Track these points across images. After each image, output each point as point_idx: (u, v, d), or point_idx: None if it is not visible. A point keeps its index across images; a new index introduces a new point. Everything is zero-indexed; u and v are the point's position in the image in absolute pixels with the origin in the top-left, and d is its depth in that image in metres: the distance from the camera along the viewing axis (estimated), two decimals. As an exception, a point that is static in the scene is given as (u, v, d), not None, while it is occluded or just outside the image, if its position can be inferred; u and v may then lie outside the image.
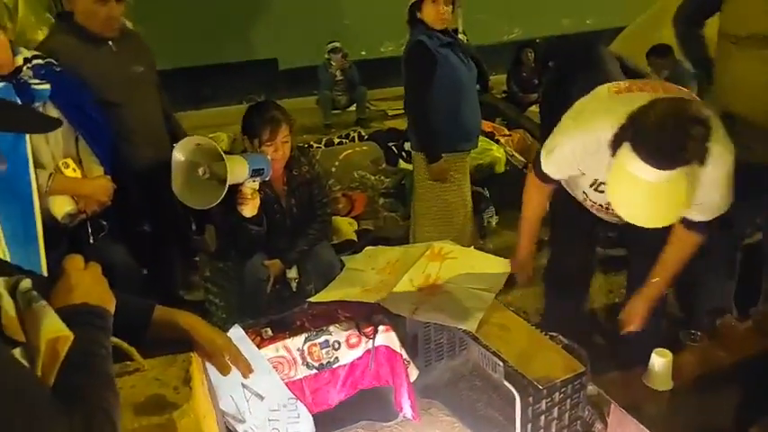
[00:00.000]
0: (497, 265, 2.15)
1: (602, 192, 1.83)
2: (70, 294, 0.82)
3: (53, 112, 1.99)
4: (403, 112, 3.63)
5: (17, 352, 0.70)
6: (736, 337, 1.79)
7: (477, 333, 1.86)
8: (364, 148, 4.66)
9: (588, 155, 1.73)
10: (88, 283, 0.85)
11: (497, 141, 4.29)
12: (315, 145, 5.06)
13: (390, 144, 4.57)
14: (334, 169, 4.29)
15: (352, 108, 6.75)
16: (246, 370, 1.17)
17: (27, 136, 1.83)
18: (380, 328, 1.99)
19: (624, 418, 1.63)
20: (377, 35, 7.95)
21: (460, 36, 4.38)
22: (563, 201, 2.10)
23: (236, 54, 7.87)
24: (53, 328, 0.73)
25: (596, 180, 1.84)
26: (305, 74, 7.14)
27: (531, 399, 1.66)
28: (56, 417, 0.64)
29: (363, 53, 7.90)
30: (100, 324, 0.82)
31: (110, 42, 2.35)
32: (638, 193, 1.49)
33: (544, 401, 1.68)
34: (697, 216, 1.72)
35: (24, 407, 0.62)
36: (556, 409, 1.73)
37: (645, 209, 1.54)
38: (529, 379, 1.67)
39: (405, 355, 2.04)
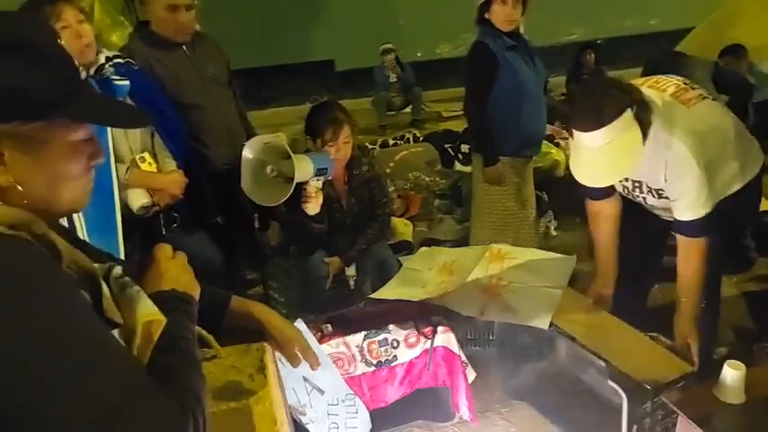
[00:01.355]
0: (561, 262, 2.10)
1: None
2: (160, 281, 0.87)
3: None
4: (459, 113, 3.62)
5: (116, 333, 0.75)
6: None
7: (572, 333, 1.86)
8: (419, 149, 4.67)
9: None
10: (176, 270, 0.90)
11: (557, 144, 4.20)
12: (369, 146, 5.11)
13: (446, 146, 4.56)
14: (389, 170, 4.32)
15: (408, 110, 6.77)
16: (315, 362, 1.20)
17: (109, 129, 1.92)
18: (439, 328, 2.00)
19: (693, 431, 1.57)
20: (433, 36, 7.96)
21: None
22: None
23: (294, 55, 8.04)
24: (148, 311, 0.77)
25: None
26: (361, 75, 7.22)
27: (638, 400, 1.64)
28: (153, 393, 0.68)
29: (419, 54, 7.92)
30: (187, 310, 0.86)
31: (183, 47, 2.45)
32: (582, 156, 1.76)
33: (650, 402, 1.64)
34: (681, 213, 1.81)
35: (125, 381, 0.66)
36: (660, 411, 1.69)
37: (588, 168, 1.77)
38: (635, 379, 1.65)
39: (463, 357, 2.04)
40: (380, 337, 1.97)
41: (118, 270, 0.89)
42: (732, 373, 1.57)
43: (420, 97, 6.69)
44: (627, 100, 1.67)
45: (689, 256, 1.86)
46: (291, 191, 2.12)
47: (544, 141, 3.99)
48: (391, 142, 5.30)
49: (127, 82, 2.04)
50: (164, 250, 0.92)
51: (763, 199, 3.34)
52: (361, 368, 1.98)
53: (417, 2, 7.62)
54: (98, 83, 1.96)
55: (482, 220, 2.91)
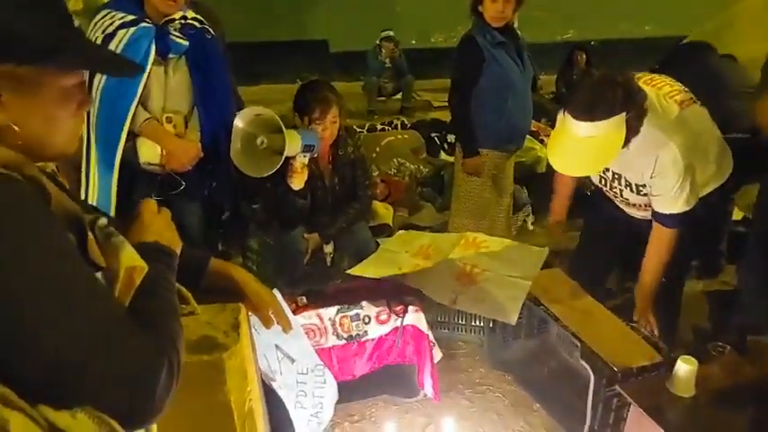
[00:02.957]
0: (533, 254, 2.19)
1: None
2: (144, 233, 0.91)
3: (181, 69, 2.11)
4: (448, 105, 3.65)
5: (99, 276, 0.78)
6: (764, 354, 1.79)
7: (558, 315, 1.96)
8: (406, 136, 4.70)
9: None
10: (160, 225, 0.94)
11: (542, 141, 4.27)
12: (357, 129, 5.12)
13: (433, 135, 4.60)
14: (374, 155, 4.34)
15: (398, 96, 6.78)
16: (287, 325, 1.24)
17: (143, 77, 1.98)
18: (410, 308, 2.05)
19: (643, 419, 1.65)
20: (428, 24, 7.97)
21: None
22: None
23: (289, 33, 8.00)
24: (131, 257, 0.81)
25: None
26: (354, 58, 7.22)
27: (605, 380, 1.74)
28: (132, 332, 0.72)
29: (413, 42, 7.93)
30: (168, 262, 0.90)
31: None
32: (566, 144, 1.79)
33: (618, 385, 1.72)
34: (661, 207, 1.92)
35: (107, 317, 0.70)
36: (615, 400, 1.78)
37: (564, 155, 1.82)
38: (605, 360, 1.74)
39: (431, 337, 2.10)
40: (353, 313, 2.02)
41: (103, 221, 0.92)
42: (684, 368, 1.65)
43: (411, 85, 6.71)
44: (627, 104, 1.72)
45: (662, 241, 1.98)
46: (280, 164, 2.15)
47: (529, 137, 4.06)
48: (379, 127, 5.32)
49: (185, 42, 2.06)
50: (149, 205, 0.96)
51: (736, 209, 3.47)
52: (332, 341, 2.03)
53: (415, -11, 7.62)
54: (158, 33, 2.00)
55: (460, 209, 2.97)
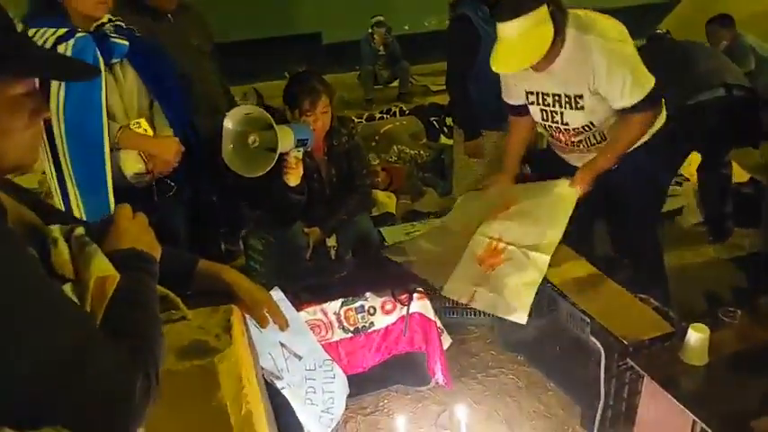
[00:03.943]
0: (559, 201, 2.07)
1: (533, 103, 2.16)
2: (119, 240, 0.88)
3: (129, 70, 2.07)
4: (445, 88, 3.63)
5: (67, 288, 0.76)
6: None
7: (565, 291, 1.95)
8: (404, 122, 4.66)
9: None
10: (136, 230, 0.91)
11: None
12: (356, 119, 5.08)
13: (432, 119, 4.55)
14: (374, 143, 4.31)
15: (395, 83, 6.72)
16: (283, 323, 1.22)
17: (102, 86, 1.92)
18: (415, 295, 2.03)
19: (657, 391, 1.62)
20: (420, 9, 7.87)
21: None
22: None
23: (281, 28, 7.94)
24: (102, 267, 0.78)
25: (527, 92, 2.15)
26: (349, 48, 7.15)
27: (616, 355, 1.72)
28: (102, 346, 0.69)
29: (406, 27, 7.84)
30: (147, 268, 0.87)
31: (168, 15, 2.44)
32: (499, 47, 1.93)
33: (630, 359, 1.70)
34: (624, 101, 1.95)
35: (74, 334, 0.68)
36: (628, 372, 1.77)
37: (503, 57, 1.93)
38: (615, 335, 1.72)
39: (438, 323, 2.08)
40: (357, 305, 2.00)
41: (80, 230, 0.90)
42: (696, 336, 1.62)
43: (407, 71, 6.64)
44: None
45: (629, 125, 2.02)
46: (275, 161, 2.12)
47: (527, 114, 4.00)
48: (377, 116, 5.27)
49: (126, 42, 2.02)
50: (123, 210, 0.93)
51: (739, 170, 3.43)
52: (339, 334, 2.01)
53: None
54: (96, 39, 1.94)
55: (463, 192, 2.92)
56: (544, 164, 3.73)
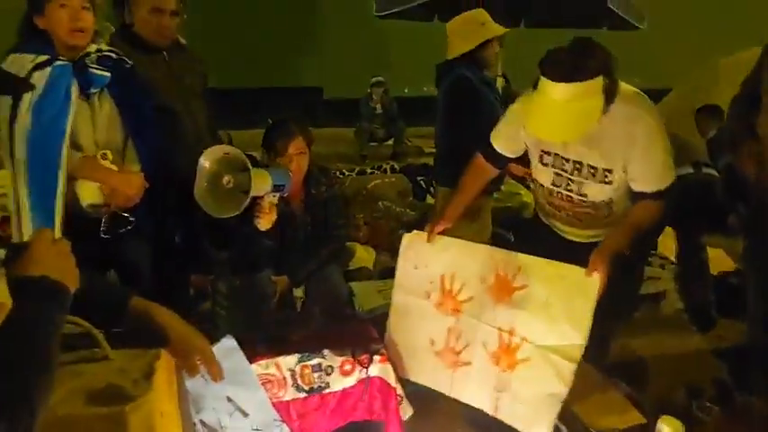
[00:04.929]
0: (582, 288, 1.70)
1: (546, 164, 1.96)
2: (31, 266, 0.80)
3: (106, 101, 2.05)
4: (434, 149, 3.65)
5: None
6: (754, 415, 1.65)
7: None
8: (393, 179, 4.66)
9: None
10: (52, 257, 0.82)
11: (528, 187, 4.21)
12: (347, 173, 5.08)
13: (419, 178, 4.55)
14: (360, 197, 4.28)
15: (390, 142, 6.80)
16: (217, 375, 1.12)
17: (70, 113, 1.88)
18: (376, 357, 1.91)
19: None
20: (421, 74, 8.06)
21: (499, 79, 4.39)
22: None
23: (284, 79, 8.10)
24: None
25: (541, 152, 1.96)
26: (348, 105, 7.27)
27: None
28: None
29: (406, 90, 8.02)
30: (54, 299, 0.78)
31: (163, 53, 2.45)
32: (545, 109, 1.71)
33: None
34: (647, 185, 1.82)
35: None
36: None
37: (550, 122, 1.72)
38: (583, 422, 1.63)
39: (399, 391, 1.95)
40: (314, 362, 1.88)
41: (0, 253, 0.82)
42: (667, 431, 1.52)
43: (403, 131, 6.73)
44: (604, 68, 1.68)
45: (641, 212, 1.85)
46: (246, 204, 2.05)
47: (515, 182, 4.01)
48: (369, 171, 5.28)
49: (107, 74, 2.00)
50: (43, 234, 0.85)
51: (726, 259, 3.40)
52: (291, 393, 1.87)
53: (408, 39, 7.75)
54: (77, 69, 1.94)
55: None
56: (529, 234, 3.71)
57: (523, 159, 2.31)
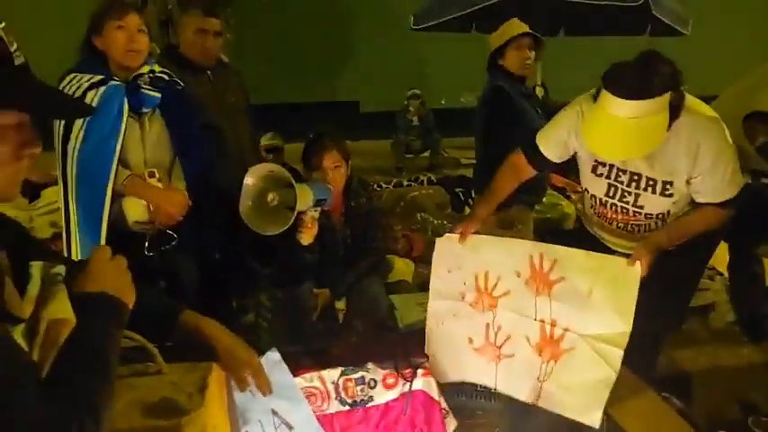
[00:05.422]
0: (624, 278, 1.69)
1: (600, 175, 1.91)
2: (89, 282, 0.83)
3: (156, 120, 2.13)
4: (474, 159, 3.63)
5: (19, 330, 0.70)
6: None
7: None
8: (430, 191, 4.66)
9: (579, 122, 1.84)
10: (110, 273, 0.86)
11: (568, 197, 4.14)
12: (384, 185, 5.10)
13: (457, 190, 4.53)
14: (398, 209, 4.29)
15: (426, 154, 6.79)
16: (266, 388, 1.14)
17: (121, 133, 1.97)
18: (419, 371, 1.91)
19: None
20: (457, 85, 8.06)
21: (538, 89, 4.35)
22: None
23: (321, 95, 8.22)
24: (58, 309, 0.73)
25: (595, 162, 1.91)
26: (385, 118, 7.31)
27: None
28: (36, 396, 0.63)
29: (443, 102, 8.01)
30: (112, 315, 0.82)
31: (208, 72, 2.54)
32: (608, 126, 1.63)
33: None
34: (710, 197, 1.79)
35: (6, 378, 0.61)
36: None
37: (613, 140, 1.65)
38: None
39: (443, 404, 1.94)
40: (358, 375, 1.89)
41: (59, 269, 0.86)
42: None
43: (439, 143, 6.72)
44: (672, 83, 1.62)
45: (704, 215, 1.83)
46: (292, 220, 2.09)
47: (555, 194, 3.95)
48: (405, 183, 5.29)
49: (157, 94, 2.08)
50: (101, 252, 0.89)
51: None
52: (335, 406, 1.88)
53: (444, 51, 7.75)
54: (129, 89, 2.02)
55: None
56: (573, 245, 3.65)
57: (562, 168, 2.30)
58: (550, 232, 3.67)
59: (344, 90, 8.38)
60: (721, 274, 3.40)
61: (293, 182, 2.08)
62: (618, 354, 1.66)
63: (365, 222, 2.44)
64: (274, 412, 1.76)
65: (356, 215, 2.42)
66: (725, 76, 5.72)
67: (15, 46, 0.73)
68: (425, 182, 5.25)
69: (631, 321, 1.65)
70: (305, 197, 2.14)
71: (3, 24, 0.72)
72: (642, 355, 2.05)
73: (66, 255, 2.01)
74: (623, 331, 1.65)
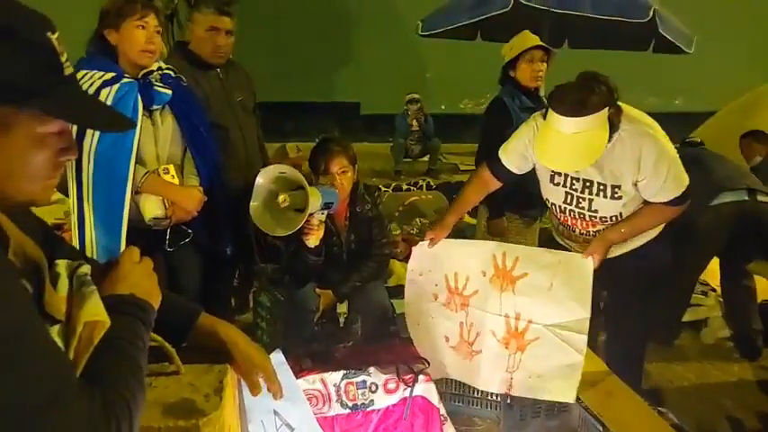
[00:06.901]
0: (579, 270, 1.86)
1: (557, 184, 2.07)
2: (119, 284, 0.85)
3: (168, 117, 2.13)
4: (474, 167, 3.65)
5: (55, 330, 0.72)
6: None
7: (581, 395, 1.84)
8: (430, 196, 4.68)
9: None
10: (138, 275, 0.88)
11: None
12: (383, 188, 5.12)
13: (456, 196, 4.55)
14: (397, 213, 4.31)
15: (425, 158, 6.82)
16: (278, 392, 1.16)
17: (137, 131, 1.96)
18: (420, 377, 1.93)
19: None
20: (457, 91, 8.10)
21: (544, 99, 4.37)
22: None
23: (322, 95, 8.22)
24: (93, 311, 0.75)
25: (552, 172, 2.06)
26: (384, 121, 7.33)
27: None
28: (75, 394, 0.64)
29: (443, 107, 8.04)
30: (141, 316, 0.83)
31: (217, 69, 2.55)
32: (554, 141, 1.83)
33: None
34: (656, 196, 1.96)
35: (48, 378, 0.63)
36: None
37: (560, 154, 1.85)
38: None
39: (442, 410, 1.96)
40: (359, 379, 1.90)
41: (85, 268, 0.87)
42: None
43: (438, 148, 6.74)
44: (609, 99, 1.80)
45: (655, 212, 2.01)
46: (303, 222, 2.10)
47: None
48: (404, 187, 5.32)
49: (169, 91, 2.09)
50: (130, 253, 0.90)
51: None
52: (336, 409, 1.90)
53: (445, 57, 7.77)
54: (141, 86, 2.02)
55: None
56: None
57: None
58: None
59: (346, 90, 8.39)
60: (714, 290, 3.45)
61: (305, 184, 2.10)
62: (581, 338, 1.81)
63: (369, 227, 2.46)
64: (276, 413, 1.78)
65: (361, 220, 2.44)
66: (725, 94, 5.82)
67: (66, 56, 0.74)
68: (425, 187, 5.28)
69: (590, 308, 1.81)
70: (315, 200, 2.15)
71: (57, 34, 0.73)
72: (630, 365, 2.22)
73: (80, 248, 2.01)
74: (584, 317, 1.81)
